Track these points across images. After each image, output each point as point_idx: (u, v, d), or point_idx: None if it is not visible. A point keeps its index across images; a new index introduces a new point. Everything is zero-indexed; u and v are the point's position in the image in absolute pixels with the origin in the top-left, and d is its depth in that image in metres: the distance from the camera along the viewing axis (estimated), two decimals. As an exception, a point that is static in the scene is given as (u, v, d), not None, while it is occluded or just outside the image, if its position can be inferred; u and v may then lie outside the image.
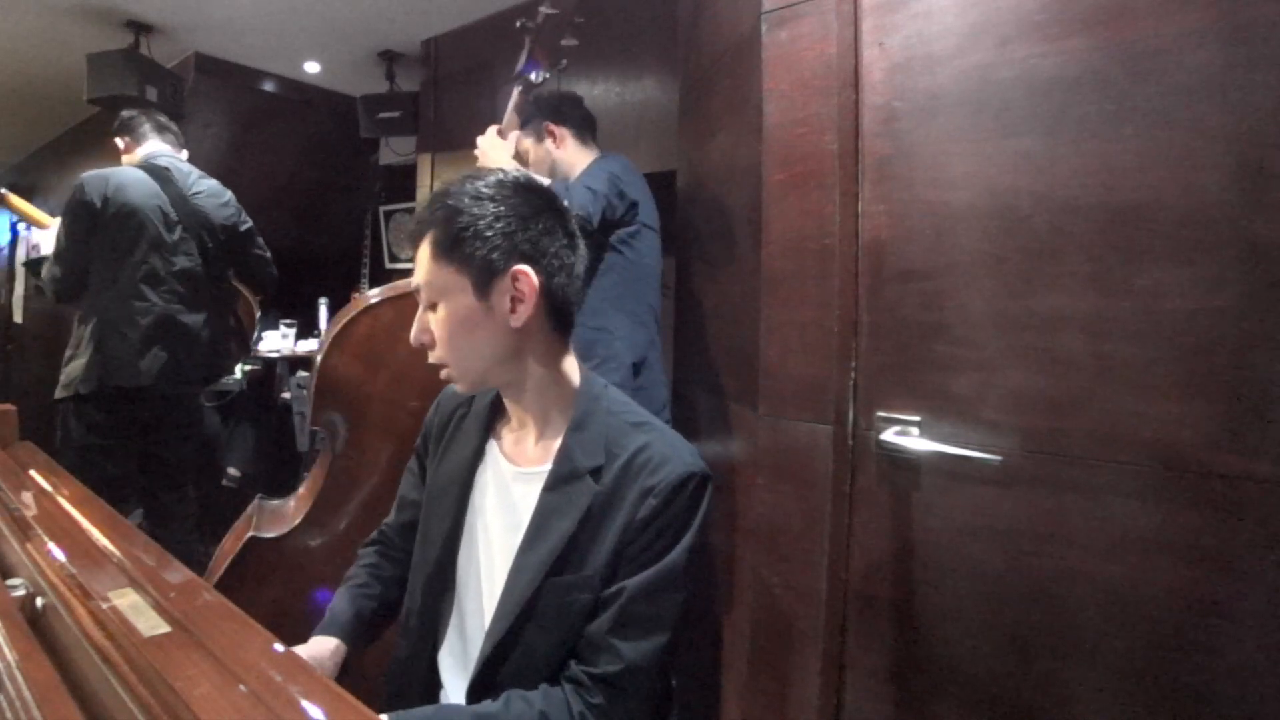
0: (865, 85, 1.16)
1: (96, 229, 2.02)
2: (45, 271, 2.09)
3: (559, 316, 0.86)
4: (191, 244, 2.15)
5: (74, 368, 2.02)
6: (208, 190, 2.23)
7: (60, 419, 2.07)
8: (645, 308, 1.71)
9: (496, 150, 1.62)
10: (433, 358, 0.87)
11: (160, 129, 2.27)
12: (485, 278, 0.81)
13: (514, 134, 1.68)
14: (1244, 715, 0.84)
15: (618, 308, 1.65)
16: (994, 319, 1.04)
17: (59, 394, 2.04)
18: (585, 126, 1.83)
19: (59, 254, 2.05)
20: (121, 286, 2.04)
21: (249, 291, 2.50)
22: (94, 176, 2.04)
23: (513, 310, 0.82)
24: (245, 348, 2.60)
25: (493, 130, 1.64)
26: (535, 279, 0.81)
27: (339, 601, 0.97)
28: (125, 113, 2.27)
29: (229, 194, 2.30)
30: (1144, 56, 0.91)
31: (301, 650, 0.88)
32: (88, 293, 2.06)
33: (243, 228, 2.30)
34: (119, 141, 2.25)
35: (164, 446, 2.20)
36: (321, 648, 0.89)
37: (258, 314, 2.59)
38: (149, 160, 2.17)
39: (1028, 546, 1.00)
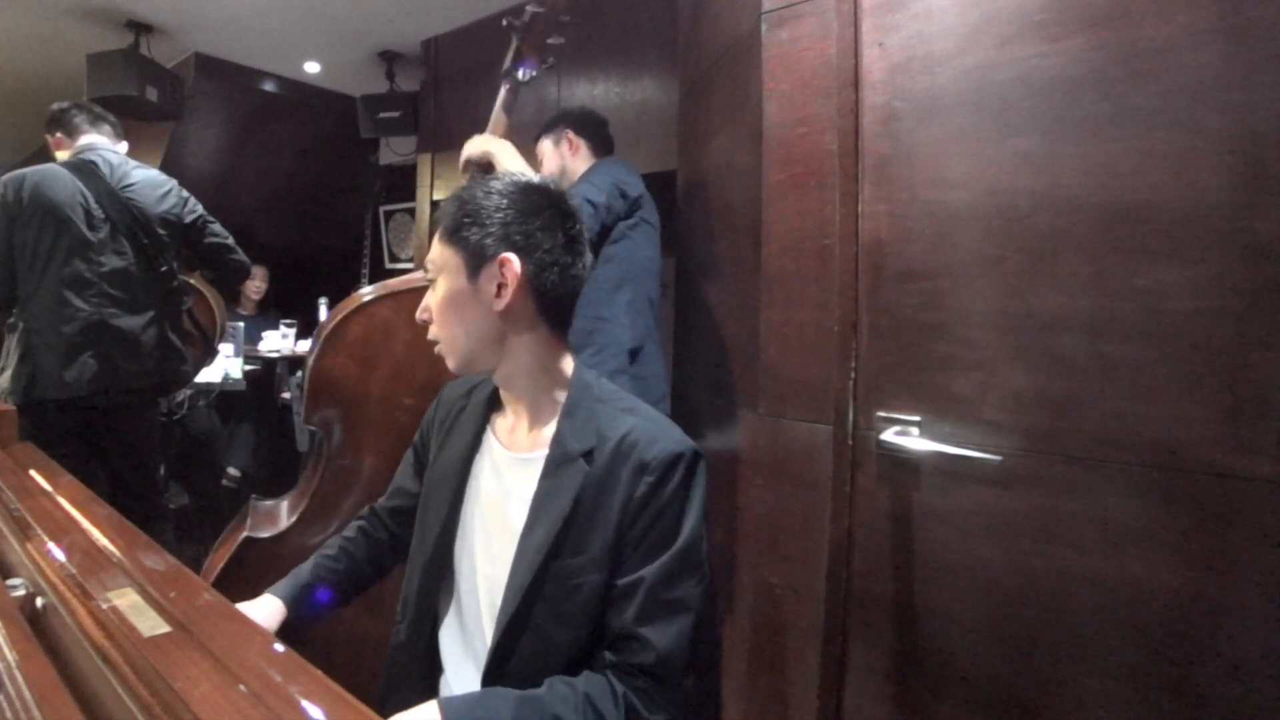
0: (865, 85, 1.16)
1: (15, 231, 1.92)
2: None
3: (551, 310, 0.90)
4: (123, 241, 2.00)
5: (3, 379, 1.93)
6: (144, 182, 2.06)
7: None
8: (643, 299, 1.74)
9: (474, 144, 1.58)
10: (430, 334, 0.91)
11: (95, 120, 2.13)
12: (476, 261, 0.86)
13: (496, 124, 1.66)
14: (1243, 715, 0.84)
15: (616, 297, 1.69)
16: (994, 319, 1.04)
17: None
18: (603, 146, 1.89)
19: None
20: (45, 293, 1.92)
21: (209, 289, 2.34)
22: (11, 176, 1.93)
23: (497, 295, 0.86)
24: (209, 351, 2.39)
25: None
26: (518, 268, 0.85)
27: (303, 566, 1.01)
28: (56, 106, 2.13)
29: (171, 184, 2.13)
30: (1144, 56, 0.91)
31: (242, 606, 0.91)
32: (18, 300, 1.95)
33: (189, 218, 2.14)
34: (49, 138, 2.12)
35: (116, 458, 2.05)
36: (261, 606, 0.93)
37: (219, 313, 2.42)
38: (78, 155, 2.03)
39: (1028, 546, 1.00)
